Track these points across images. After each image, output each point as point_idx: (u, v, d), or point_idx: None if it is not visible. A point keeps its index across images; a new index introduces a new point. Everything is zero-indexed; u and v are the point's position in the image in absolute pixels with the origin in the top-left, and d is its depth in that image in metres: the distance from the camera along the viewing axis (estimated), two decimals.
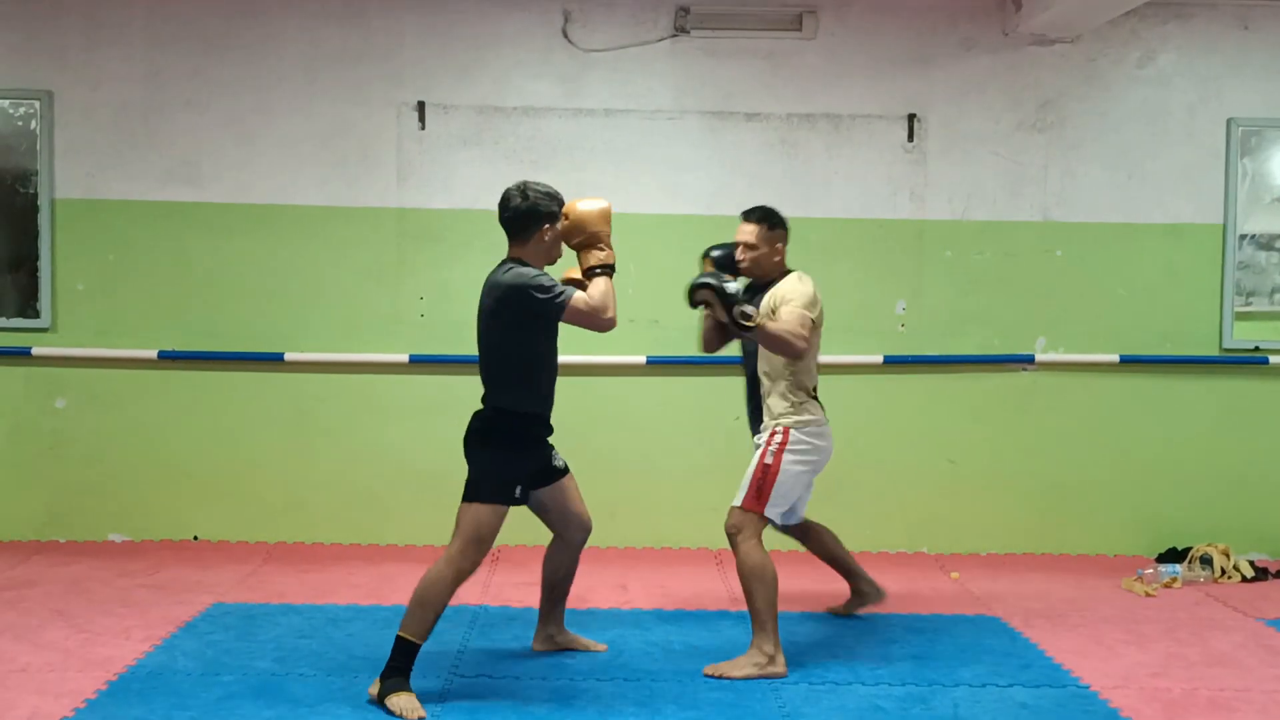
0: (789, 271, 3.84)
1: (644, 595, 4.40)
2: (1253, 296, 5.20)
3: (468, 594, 4.34)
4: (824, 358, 5.06)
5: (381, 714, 3.18)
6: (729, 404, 5.13)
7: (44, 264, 5.00)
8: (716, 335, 3.97)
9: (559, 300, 3.26)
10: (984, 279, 5.11)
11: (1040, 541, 5.15)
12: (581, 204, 3.39)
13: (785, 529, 3.97)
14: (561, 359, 5.00)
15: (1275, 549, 5.14)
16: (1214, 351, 5.14)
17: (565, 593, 3.73)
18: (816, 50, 5.04)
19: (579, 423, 5.07)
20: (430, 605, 3.25)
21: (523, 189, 3.37)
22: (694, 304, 3.66)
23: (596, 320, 3.30)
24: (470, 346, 5.00)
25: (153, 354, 5.01)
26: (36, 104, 4.96)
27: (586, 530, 3.65)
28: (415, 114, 5.02)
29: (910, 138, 5.07)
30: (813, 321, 3.67)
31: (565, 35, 5.03)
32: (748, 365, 3.93)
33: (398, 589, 4.40)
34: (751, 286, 3.88)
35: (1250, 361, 5.14)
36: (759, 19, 5.02)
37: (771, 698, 3.36)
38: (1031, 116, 5.09)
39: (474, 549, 3.29)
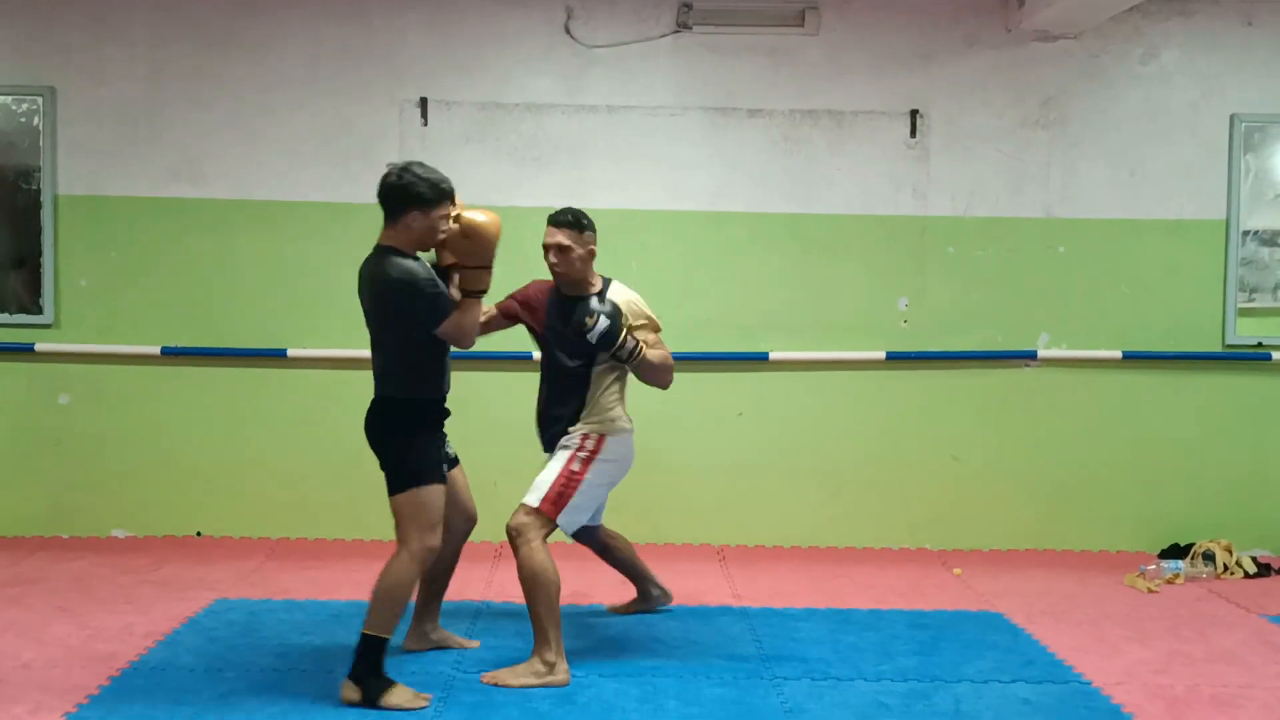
0: (601, 278, 3.70)
1: None
2: (1255, 293, 5.19)
3: (470, 590, 4.36)
4: (827, 354, 5.12)
5: (383, 711, 3.18)
6: (731, 401, 5.14)
7: (47, 260, 5.00)
8: (498, 325, 3.82)
9: (438, 314, 3.20)
10: (986, 275, 5.11)
11: (1043, 538, 5.15)
12: (484, 226, 3.23)
13: (579, 538, 3.92)
14: None
15: (1278, 545, 5.14)
16: (1217, 348, 5.14)
17: (444, 587, 3.67)
18: (819, 46, 5.04)
19: None
20: (399, 601, 3.20)
21: (401, 168, 3.25)
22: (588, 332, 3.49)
23: (463, 340, 3.27)
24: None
25: (156, 350, 5.01)
26: (39, 100, 4.96)
27: (472, 522, 3.63)
28: (418, 111, 5.02)
29: (913, 134, 5.06)
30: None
31: (568, 32, 5.03)
32: (549, 375, 3.75)
33: None
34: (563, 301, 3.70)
35: (1253, 358, 5.13)
36: (761, 15, 5.01)
37: (774, 694, 3.36)
38: (1034, 113, 5.08)
39: (430, 534, 3.23)
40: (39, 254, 5.00)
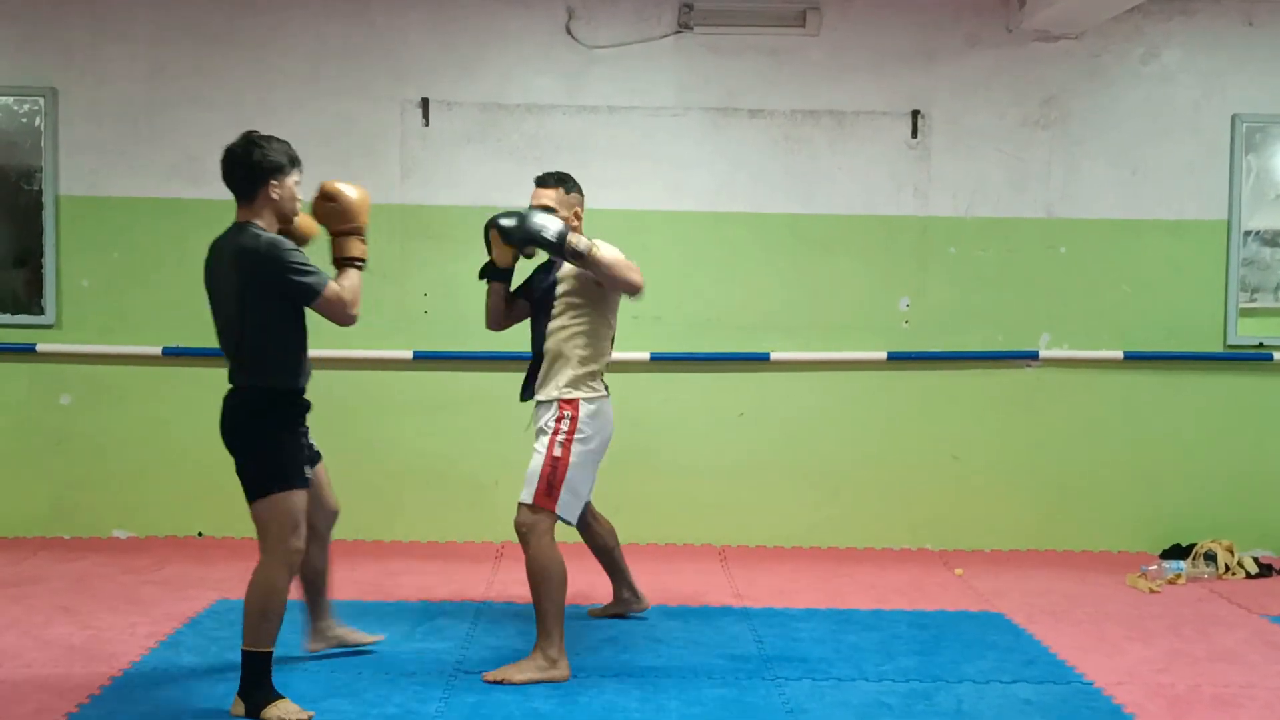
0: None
1: (647, 591, 4.37)
2: (1257, 293, 5.19)
3: (471, 590, 4.36)
4: (828, 354, 5.12)
5: (392, 707, 3.19)
6: (732, 400, 5.14)
7: (49, 261, 5.00)
8: (504, 309, 3.75)
9: (314, 285, 3.05)
10: (988, 275, 5.11)
11: (1044, 538, 5.15)
12: (347, 188, 3.16)
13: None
14: None
15: (1279, 545, 5.14)
16: (1218, 348, 5.14)
17: (325, 584, 3.55)
18: (820, 46, 5.04)
19: None
20: (275, 613, 3.07)
21: (245, 139, 3.11)
22: (514, 240, 3.44)
23: (343, 314, 3.11)
24: (473, 343, 5.08)
25: (157, 350, 5.02)
26: (41, 101, 4.97)
27: (334, 517, 3.50)
28: (419, 111, 5.02)
29: (914, 134, 5.06)
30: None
31: (569, 32, 5.03)
32: (536, 345, 3.69)
33: (402, 585, 4.41)
34: (548, 262, 3.69)
35: (1254, 358, 5.13)
36: (762, 15, 5.01)
37: (775, 693, 3.36)
38: (1035, 113, 5.08)
39: (294, 537, 3.10)
40: (41, 254, 5.01)
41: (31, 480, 5.06)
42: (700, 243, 5.10)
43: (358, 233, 3.19)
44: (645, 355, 5.07)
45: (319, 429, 5.08)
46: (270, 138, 3.16)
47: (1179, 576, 4.66)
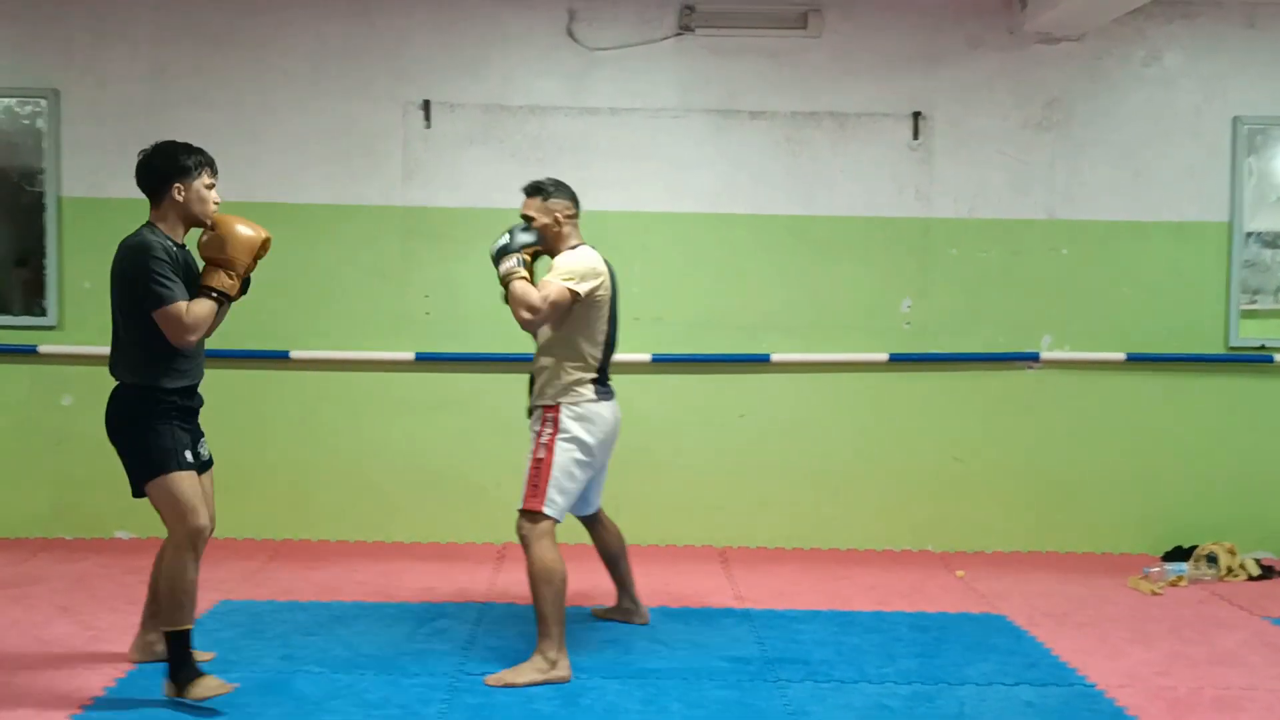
0: (579, 244, 3.72)
1: (648, 593, 4.39)
2: (1258, 295, 5.19)
3: (474, 591, 4.36)
4: (829, 355, 5.12)
5: (394, 709, 3.19)
6: (734, 402, 5.15)
7: (51, 262, 5.01)
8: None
9: (161, 296, 3.10)
10: (990, 277, 5.11)
11: (1046, 540, 5.15)
12: (239, 226, 3.24)
13: (581, 518, 3.92)
14: None
15: None
16: (1220, 350, 5.14)
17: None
18: (822, 48, 5.04)
19: None
20: (185, 593, 3.16)
21: (155, 145, 3.25)
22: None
23: (178, 333, 3.13)
24: (475, 344, 5.09)
25: None
26: (43, 102, 4.97)
27: (211, 530, 3.47)
28: (421, 112, 5.03)
29: (916, 136, 5.06)
30: (581, 294, 3.54)
31: (571, 34, 5.03)
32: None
33: (404, 586, 4.41)
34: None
35: (1256, 360, 5.13)
36: (764, 17, 5.01)
37: (778, 696, 3.36)
38: (1037, 115, 5.09)
39: (192, 517, 3.17)
40: (42, 255, 5.01)
41: (33, 481, 5.06)
42: (702, 244, 5.11)
43: (226, 266, 3.23)
44: (646, 356, 5.07)
45: (323, 429, 5.12)
46: (180, 144, 3.28)
47: (1180, 578, 4.66)
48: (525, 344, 5.12)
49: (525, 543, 3.50)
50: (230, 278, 3.24)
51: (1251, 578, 4.75)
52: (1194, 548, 4.92)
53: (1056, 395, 5.13)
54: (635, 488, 5.11)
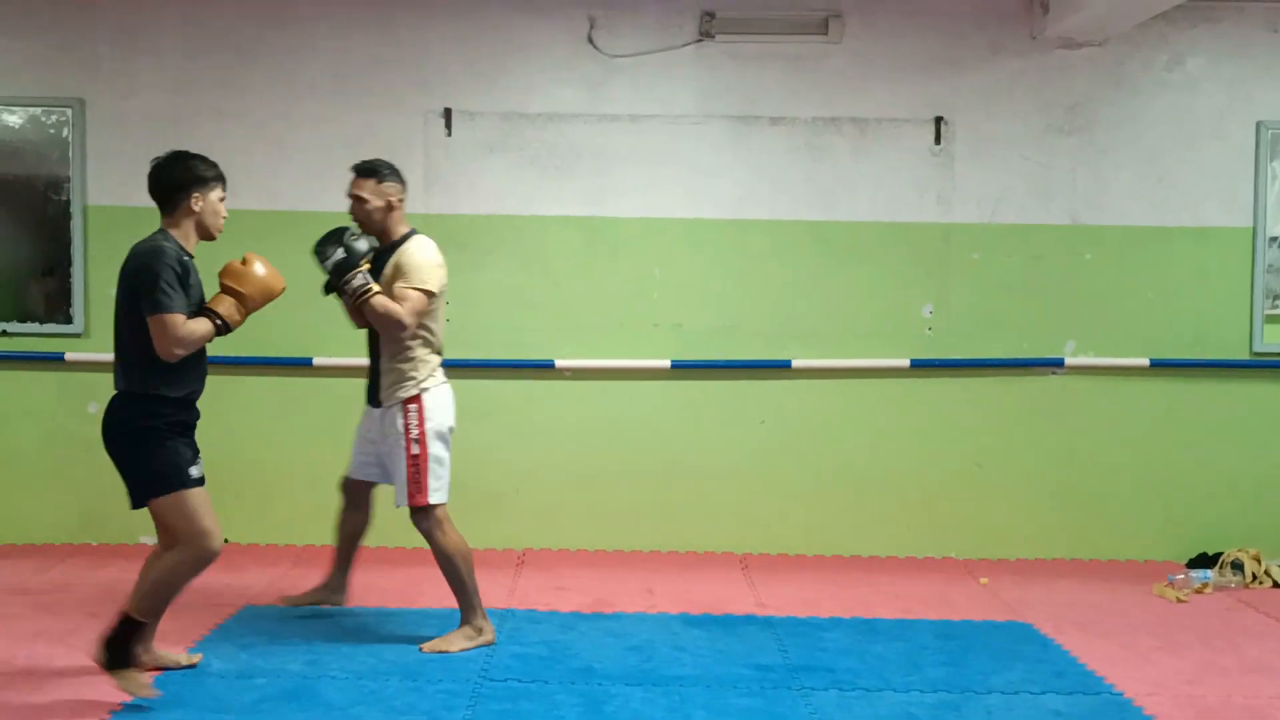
0: (411, 232, 3.78)
1: (669, 599, 4.40)
2: None
3: (494, 598, 4.36)
4: (850, 361, 5.11)
5: (419, 715, 3.20)
6: (754, 408, 5.14)
7: (77, 270, 5.05)
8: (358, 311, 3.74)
9: (160, 303, 3.09)
10: (1012, 282, 5.09)
11: (1070, 547, 5.12)
12: (268, 270, 3.30)
13: (350, 481, 4.00)
14: (587, 363, 5.10)
15: None
16: (1244, 355, 5.10)
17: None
18: (842, 54, 5.04)
19: (603, 427, 5.10)
20: (168, 599, 3.19)
21: (171, 154, 3.25)
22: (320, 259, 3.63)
23: (165, 343, 3.11)
24: (495, 351, 5.10)
25: None
26: (69, 112, 5.02)
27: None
28: (442, 121, 5.05)
29: (937, 141, 5.05)
30: (436, 292, 3.71)
31: (591, 41, 5.05)
32: (372, 349, 3.84)
33: (425, 592, 4.42)
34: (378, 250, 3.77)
35: None
36: (784, 23, 5.02)
37: (802, 704, 3.35)
38: (1060, 120, 5.07)
39: (210, 540, 3.16)
40: (69, 264, 5.05)
41: (60, 488, 5.10)
42: (721, 250, 5.11)
43: (239, 299, 3.27)
44: (666, 363, 5.08)
45: (346, 435, 5.10)
46: (196, 155, 3.30)
47: (1206, 586, 4.63)
48: (544, 351, 5.14)
49: (428, 535, 3.73)
50: (238, 313, 3.27)
51: (1277, 585, 4.71)
52: (1219, 555, 4.89)
53: (1080, 401, 5.10)
54: (656, 494, 5.11)
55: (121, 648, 3.19)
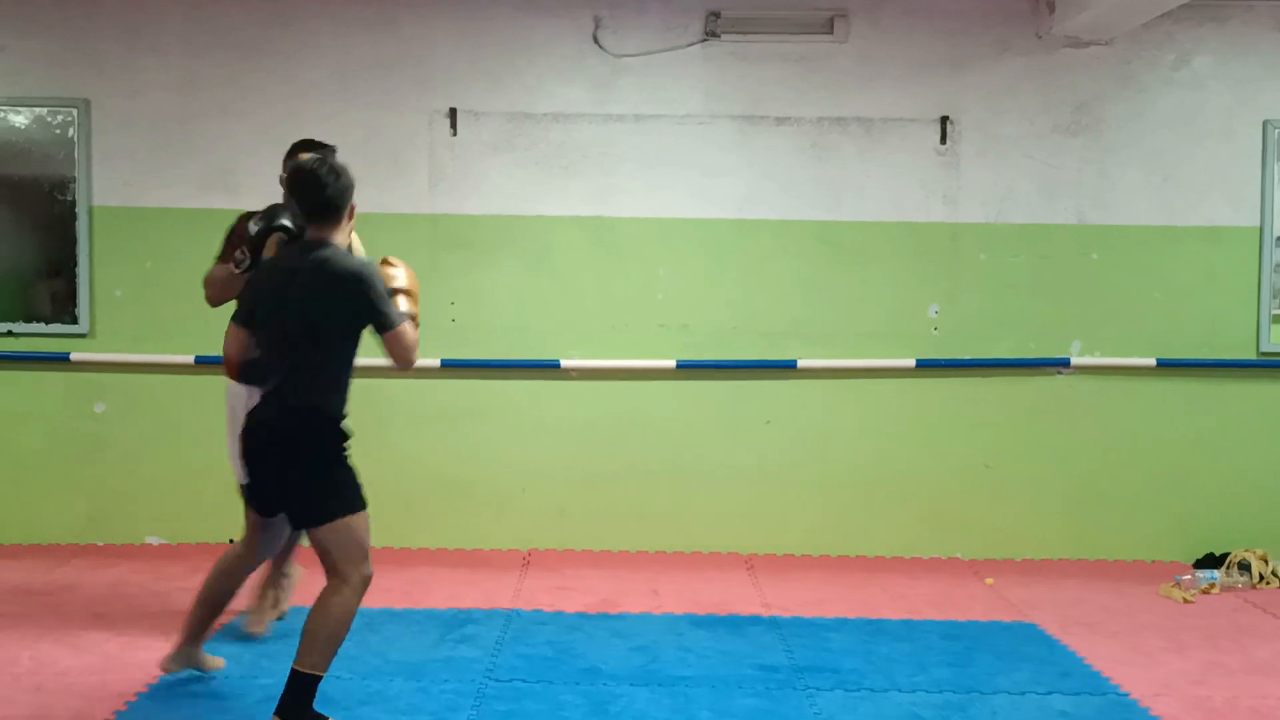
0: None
1: (675, 600, 4.39)
2: None
3: (500, 599, 4.37)
4: (856, 361, 5.10)
5: (423, 715, 3.19)
6: (760, 408, 5.13)
7: (82, 270, 5.06)
8: (234, 287, 3.52)
9: (388, 319, 3.03)
10: (1019, 282, 5.08)
11: (1076, 547, 5.11)
12: (397, 262, 3.32)
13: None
14: (593, 363, 5.10)
15: None
16: (1251, 355, 5.08)
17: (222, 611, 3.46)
18: (848, 54, 5.03)
19: (609, 427, 5.10)
20: (340, 638, 3.01)
21: (332, 166, 3.08)
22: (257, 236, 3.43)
23: (407, 356, 3.10)
24: (501, 351, 5.09)
25: (190, 359, 5.05)
26: (74, 112, 5.02)
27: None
28: (447, 121, 5.05)
29: (943, 140, 5.04)
30: None
31: (596, 41, 5.04)
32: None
33: (429, 593, 4.43)
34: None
35: None
36: (790, 23, 5.01)
37: (808, 705, 3.34)
38: (1066, 119, 5.05)
39: (369, 563, 3.06)
40: (74, 264, 5.06)
41: (66, 488, 5.11)
42: (727, 250, 5.10)
43: (409, 296, 3.28)
44: (671, 363, 5.07)
45: (352, 436, 5.13)
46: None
47: (1213, 586, 4.61)
48: (550, 351, 5.14)
49: None
50: (412, 304, 3.25)
51: None
52: (1226, 555, 4.87)
53: (1087, 401, 5.08)
54: (661, 494, 5.10)
55: (304, 711, 2.96)
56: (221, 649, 3.73)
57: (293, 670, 2.98)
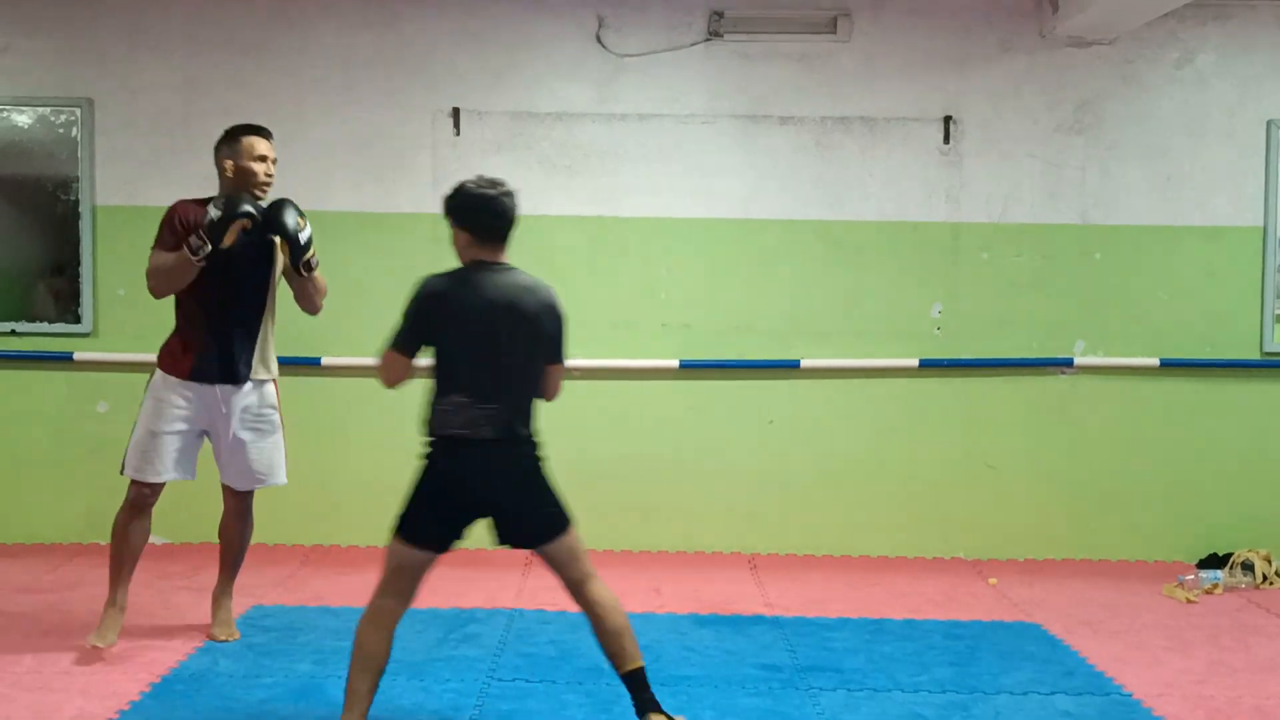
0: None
1: (678, 599, 4.39)
2: None
3: (502, 597, 4.37)
4: (859, 361, 5.10)
5: (426, 715, 3.19)
6: (763, 408, 5.13)
7: (85, 269, 5.06)
8: (187, 276, 3.50)
9: (563, 355, 3.07)
10: (1021, 282, 5.07)
11: (1079, 547, 5.10)
12: None
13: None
14: (595, 363, 5.11)
15: None
16: (1254, 355, 5.08)
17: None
18: (851, 53, 5.03)
19: (612, 427, 5.10)
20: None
21: (509, 189, 3.05)
22: (280, 231, 3.53)
23: (558, 393, 3.13)
24: None
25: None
26: (77, 111, 5.03)
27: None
28: (450, 120, 5.05)
29: (946, 140, 5.04)
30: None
31: (599, 40, 5.04)
32: (235, 317, 3.64)
33: (433, 592, 4.40)
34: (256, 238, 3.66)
35: None
36: (793, 22, 5.01)
37: (810, 704, 3.34)
38: (1069, 118, 5.05)
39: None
40: (77, 263, 5.06)
41: (68, 487, 5.11)
42: (730, 250, 5.10)
43: None
44: (674, 362, 5.07)
45: (353, 435, 5.13)
46: None
47: (1216, 586, 4.61)
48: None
49: (250, 510, 3.89)
50: None
51: None
52: (1229, 555, 4.86)
53: (1090, 401, 5.08)
54: (664, 494, 5.10)
55: (646, 695, 2.98)
56: (222, 649, 3.73)
57: (637, 669, 2.99)
